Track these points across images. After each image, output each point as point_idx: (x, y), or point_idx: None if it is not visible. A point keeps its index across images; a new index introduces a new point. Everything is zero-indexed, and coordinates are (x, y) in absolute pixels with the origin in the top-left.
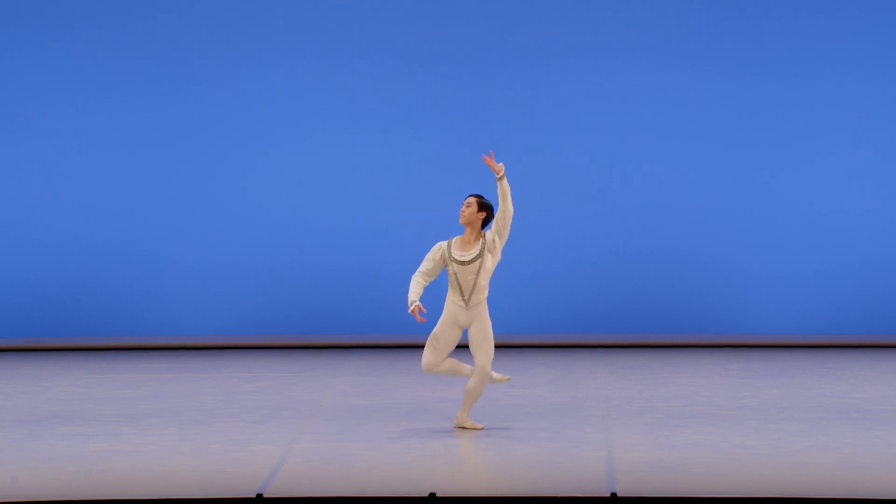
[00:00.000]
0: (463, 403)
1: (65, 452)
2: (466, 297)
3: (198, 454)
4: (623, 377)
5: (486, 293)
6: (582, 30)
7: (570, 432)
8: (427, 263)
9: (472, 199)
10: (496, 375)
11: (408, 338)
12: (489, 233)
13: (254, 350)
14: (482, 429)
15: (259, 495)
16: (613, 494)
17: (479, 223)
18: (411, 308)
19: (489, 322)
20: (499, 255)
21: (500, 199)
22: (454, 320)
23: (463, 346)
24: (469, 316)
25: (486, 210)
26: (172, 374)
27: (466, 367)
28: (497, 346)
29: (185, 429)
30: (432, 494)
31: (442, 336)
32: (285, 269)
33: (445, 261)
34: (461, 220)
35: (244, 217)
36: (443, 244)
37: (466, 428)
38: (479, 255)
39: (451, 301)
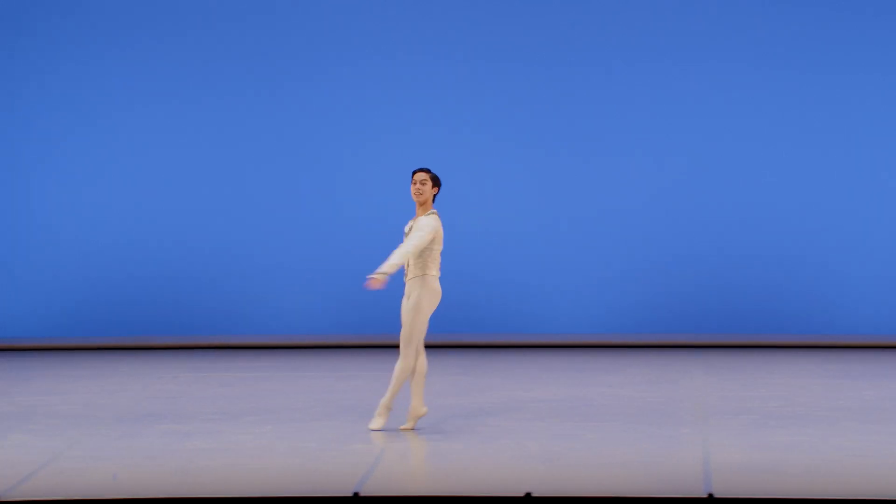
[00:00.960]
0: (414, 392)
1: (163, 450)
2: (405, 271)
3: (294, 452)
4: (719, 378)
5: (421, 271)
6: (656, 30)
7: (665, 432)
8: (407, 239)
9: (426, 176)
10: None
11: (502, 337)
12: (417, 222)
13: (349, 349)
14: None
15: (355, 494)
16: (710, 495)
17: (431, 198)
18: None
19: (419, 299)
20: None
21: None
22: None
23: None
24: (408, 288)
25: (438, 185)
26: (269, 372)
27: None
28: (595, 347)
29: (281, 427)
30: (528, 494)
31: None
32: (374, 268)
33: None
34: (420, 199)
35: (338, 216)
36: (410, 221)
37: (412, 417)
38: (410, 229)
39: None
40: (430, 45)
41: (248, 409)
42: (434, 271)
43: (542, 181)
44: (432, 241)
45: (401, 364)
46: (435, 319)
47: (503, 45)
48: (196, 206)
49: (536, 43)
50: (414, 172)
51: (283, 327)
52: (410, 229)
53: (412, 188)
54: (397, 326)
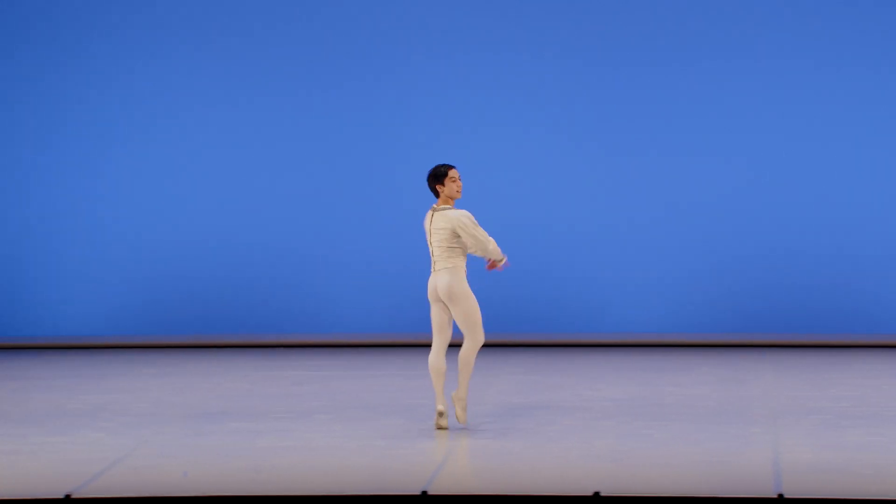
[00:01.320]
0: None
1: (234, 448)
2: (434, 262)
3: (363, 451)
4: (789, 377)
5: (452, 262)
6: (719, 29)
7: (735, 432)
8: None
9: (458, 174)
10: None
11: (570, 336)
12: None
13: (417, 347)
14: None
15: (424, 492)
16: (780, 495)
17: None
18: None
19: (464, 295)
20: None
21: (480, 250)
22: (433, 295)
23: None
24: (437, 285)
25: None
26: (339, 371)
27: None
28: (664, 346)
29: (351, 425)
30: (596, 494)
31: (432, 317)
32: None
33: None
34: (459, 195)
35: (404, 216)
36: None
37: (457, 409)
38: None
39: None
40: (494, 42)
41: (318, 408)
42: (464, 262)
43: (610, 180)
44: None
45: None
46: (503, 318)
47: (570, 44)
48: (267, 205)
49: (603, 42)
50: (449, 168)
51: (352, 326)
52: (443, 225)
53: (454, 185)
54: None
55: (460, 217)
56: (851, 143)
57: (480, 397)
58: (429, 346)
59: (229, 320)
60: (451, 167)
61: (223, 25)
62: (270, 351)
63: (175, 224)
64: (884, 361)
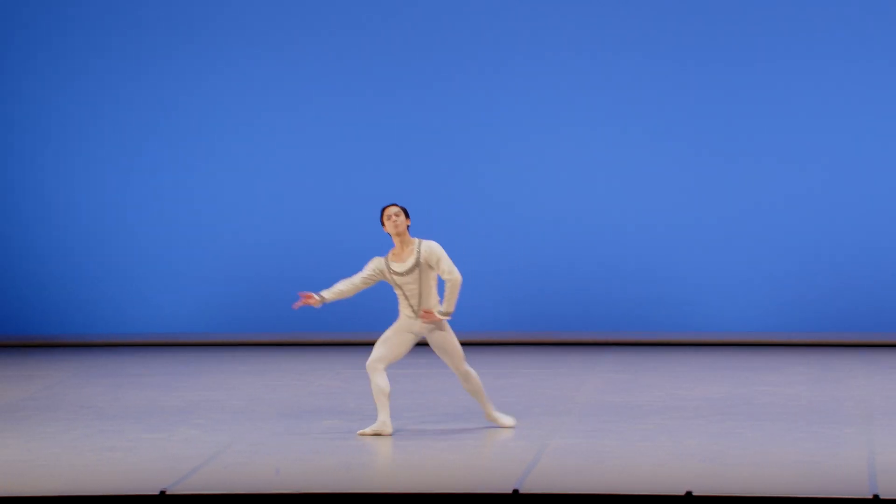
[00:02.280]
0: (480, 402)
1: (325, 445)
2: (415, 307)
3: (454, 449)
4: (884, 377)
5: (436, 298)
6: (803, 31)
7: (829, 432)
8: (362, 273)
9: (398, 209)
10: (502, 421)
11: (662, 335)
12: (428, 255)
13: (507, 346)
14: (514, 426)
15: (515, 491)
16: (876, 496)
17: (406, 230)
18: (311, 296)
19: (447, 328)
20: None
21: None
22: (409, 328)
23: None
24: (423, 327)
25: (409, 216)
26: (429, 369)
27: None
28: (757, 345)
29: (441, 424)
30: (688, 493)
31: (395, 337)
32: (538, 266)
33: (385, 275)
34: (396, 231)
35: (495, 214)
36: (380, 259)
37: (502, 425)
38: (416, 264)
39: (403, 314)
40: (582, 42)
41: (409, 406)
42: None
43: (701, 179)
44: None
45: (474, 374)
46: (594, 317)
47: (659, 43)
48: (354, 205)
49: (691, 41)
50: (385, 208)
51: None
52: (416, 264)
53: (389, 223)
54: (564, 322)
55: (435, 250)
56: None
57: (571, 396)
58: (522, 344)
59: (323, 318)
60: (386, 206)
61: (309, 22)
62: (362, 349)
63: (268, 222)
64: None
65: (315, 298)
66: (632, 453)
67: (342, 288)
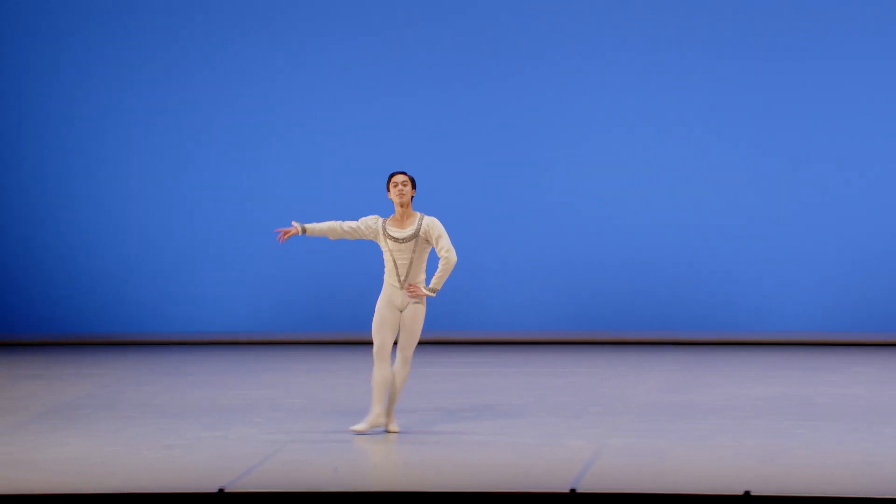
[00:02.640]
0: (391, 399)
1: (383, 444)
2: (402, 278)
3: (511, 448)
4: None
5: (423, 276)
6: (874, 31)
7: (890, 432)
8: (356, 222)
9: (406, 178)
10: (391, 426)
11: (720, 334)
12: (429, 229)
13: (565, 345)
14: (398, 431)
15: (572, 490)
16: None
17: (410, 201)
18: (290, 228)
19: (422, 320)
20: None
21: (439, 268)
22: (390, 301)
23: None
24: (404, 298)
25: (415, 187)
26: (486, 368)
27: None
28: (817, 345)
29: (498, 423)
30: (747, 493)
31: (387, 320)
32: (595, 265)
33: (378, 235)
34: (401, 200)
35: (555, 214)
36: (378, 218)
37: (388, 430)
38: (415, 234)
39: (387, 283)
40: (646, 42)
41: (466, 405)
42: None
43: (760, 179)
44: None
45: (407, 371)
46: (653, 317)
47: (709, 44)
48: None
49: (739, 42)
50: (393, 175)
51: (498, 324)
52: (415, 234)
53: (394, 189)
54: (622, 322)
55: (435, 225)
56: None
57: (629, 396)
58: (579, 343)
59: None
60: (395, 173)
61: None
62: (420, 348)
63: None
64: None
65: (295, 228)
66: (689, 453)
67: (327, 227)
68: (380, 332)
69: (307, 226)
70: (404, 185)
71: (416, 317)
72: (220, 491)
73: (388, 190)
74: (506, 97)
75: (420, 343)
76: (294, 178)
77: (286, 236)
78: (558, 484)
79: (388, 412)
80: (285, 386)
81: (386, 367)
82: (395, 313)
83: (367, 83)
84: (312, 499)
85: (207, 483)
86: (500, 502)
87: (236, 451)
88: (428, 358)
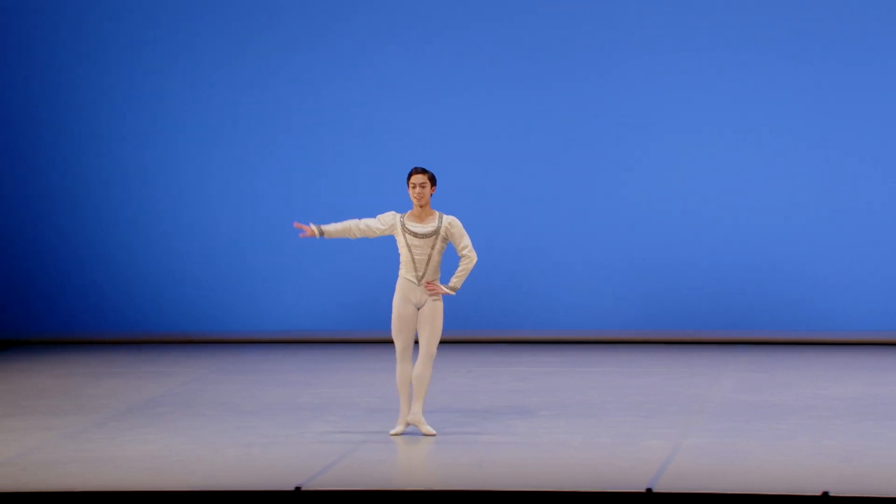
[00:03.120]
0: (415, 395)
1: (456, 443)
2: (420, 274)
3: (588, 447)
4: None
5: (439, 273)
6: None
7: None
8: (373, 220)
9: (425, 178)
10: (424, 427)
11: (798, 334)
12: (450, 228)
13: (641, 344)
14: (434, 435)
15: (648, 490)
16: None
17: (429, 201)
18: (308, 228)
19: (441, 319)
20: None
21: (461, 266)
22: (406, 298)
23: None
24: (420, 295)
25: (435, 184)
26: (562, 367)
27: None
28: (870, 344)
29: (574, 422)
30: (825, 493)
31: (403, 315)
32: (670, 264)
33: (396, 230)
34: (421, 202)
35: (630, 212)
36: (396, 214)
37: (422, 432)
38: (436, 231)
39: (403, 277)
40: (725, 43)
41: (542, 404)
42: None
43: (835, 177)
44: None
45: (431, 368)
46: (729, 316)
47: (782, 45)
48: (499, 204)
49: (813, 43)
50: (412, 173)
51: (574, 322)
52: (435, 231)
53: (412, 191)
54: (698, 321)
55: (455, 224)
56: None
57: (705, 395)
58: (655, 342)
59: (455, 318)
60: (415, 172)
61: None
62: (493, 346)
63: None
64: None
65: (311, 230)
66: (767, 453)
67: (343, 227)
68: (400, 334)
69: (324, 227)
70: (423, 187)
71: (435, 313)
72: (297, 489)
73: (408, 187)
74: (577, 97)
75: (496, 342)
76: (367, 179)
77: (305, 235)
78: (634, 484)
79: (418, 412)
80: (361, 385)
81: (408, 365)
82: (412, 310)
83: (437, 83)
84: (388, 497)
85: (284, 481)
86: (575, 502)
87: (312, 449)
88: (503, 357)
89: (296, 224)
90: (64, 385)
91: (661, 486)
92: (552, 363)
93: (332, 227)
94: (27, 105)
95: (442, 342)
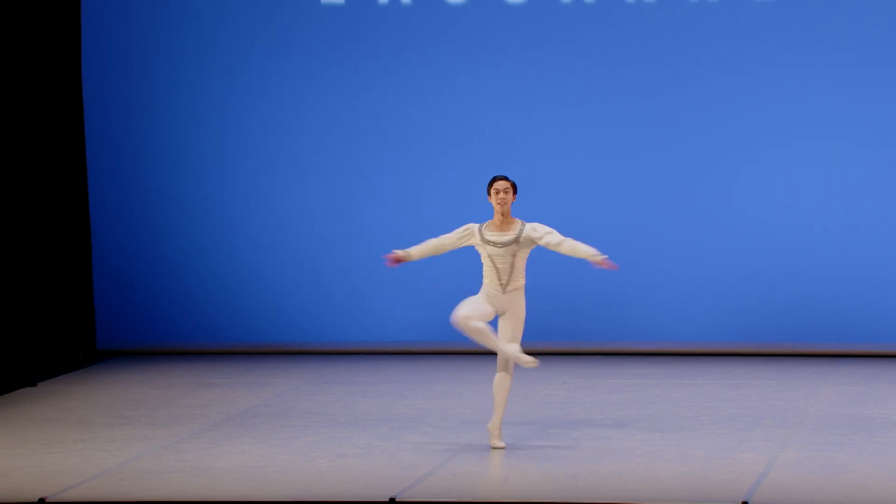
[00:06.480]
0: (498, 407)
1: (553, 456)
2: (504, 282)
3: (682, 460)
4: None
5: (524, 280)
6: None
7: None
8: (453, 234)
9: (508, 185)
10: (524, 357)
11: (894, 347)
12: (532, 230)
13: (737, 357)
14: (503, 447)
15: (744, 503)
16: None
17: (510, 208)
18: (394, 253)
19: (524, 310)
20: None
21: (569, 249)
22: (489, 301)
23: None
24: (504, 302)
25: (517, 192)
26: (657, 379)
27: (496, 340)
28: None
29: (669, 435)
30: None
31: (477, 301)
32: (768, 275)
33: (475, 240)
34: (502, 209)
35: (729, 223)
36: (474, 225)
37: (494, 442)
38: (516, 240)
39: (487, 286)
40: (800, 50)
41: (637, 416)
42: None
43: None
44: None
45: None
46: (828, 329)
47: (868, 49)
48: (589, 210)
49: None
50: (494, 180)
51: (670, 334)
52: (515, 239)
53: (496, 197)
54: (796, 333)
55: (538, 225)
56: None
57: (803, 408)
58: (753, 355)
59: (549, 329)
60: (497, 178)
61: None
62: (588, 358)
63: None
64: None
65: (398, 255)
66: (866, 467)
67: (430, 247)
68: (470, 305)
69: (410, 251)
70: (506, 193)
71: (520, 310)
72: (392, 500)
73: (489, 195)
74: (690, 106)
75: (590, 354)
76: (469, 188)
77: (394, 264)
78: (730, 497)
79: (498, 421)
80: (456, 396)
81: (476, 322)
82: (490, 308)
83: (552, 92)
84: None
85: (379, 492)
86: None
87: (407, 460)
88: (598, 369)
89: (384, 256)
90: (162, 395)
91: (757, 500)
92: (648, 375)
93: (417, 250)
94: (147, 110)
95: (539, 354)
